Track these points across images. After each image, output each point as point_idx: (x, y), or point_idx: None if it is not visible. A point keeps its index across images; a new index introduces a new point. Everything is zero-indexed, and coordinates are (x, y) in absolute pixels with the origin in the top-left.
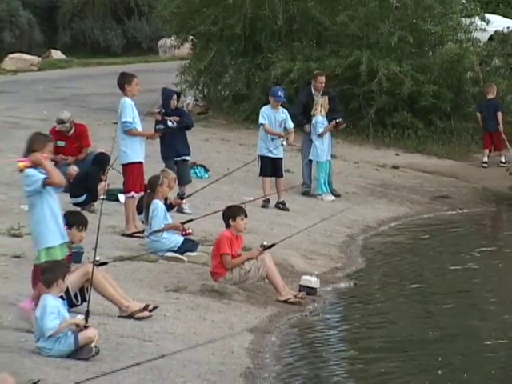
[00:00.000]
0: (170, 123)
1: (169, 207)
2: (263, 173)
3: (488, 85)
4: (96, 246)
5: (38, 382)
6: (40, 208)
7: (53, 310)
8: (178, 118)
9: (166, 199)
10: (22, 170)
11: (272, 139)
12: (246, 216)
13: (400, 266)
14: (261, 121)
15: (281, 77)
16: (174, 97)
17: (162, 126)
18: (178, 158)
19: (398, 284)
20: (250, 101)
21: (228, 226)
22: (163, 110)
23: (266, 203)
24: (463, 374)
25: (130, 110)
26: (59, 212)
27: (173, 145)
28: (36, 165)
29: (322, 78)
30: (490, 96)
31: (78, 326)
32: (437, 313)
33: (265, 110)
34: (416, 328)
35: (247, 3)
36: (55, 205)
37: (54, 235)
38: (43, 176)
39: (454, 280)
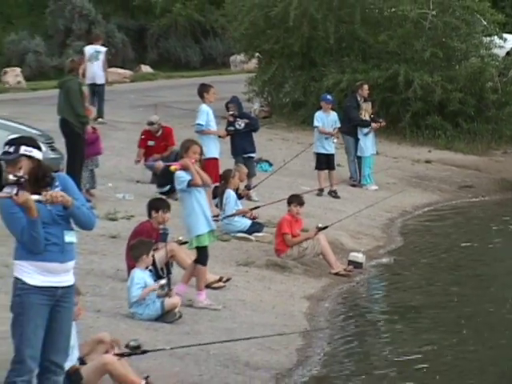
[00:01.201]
0: (237, 126)
1: (239, 196)
2: (318, 167)
3: None
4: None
5: (138, 346)
6: (189, 202)
7: (139, 280)
8: (247, 121)
9: (237, 189)
10: (173, 172)
11: (326, 138)
12: (300, 204)
13: (432, 244)
14: (315, 124)
15: (332, 87)
16: (230, 105)
17: (232, 128)
18: (245, 155)
19: (430, 259)
20: (306, 107)
21: (288, 210)
22: (236, 113)
23: (320, 192)
24: (484, 333)
25: (204, 115)
26: (206, 204)
27: (241, 144)
28: (185, 168)
29: (366, 87)
30: None
31: (162, 286)
32: (462, 282)
33: (318, 115)
34: (444, 294)
35: (304, 26)
36: (202, 198)
37: (202, 225)
38: (189, 178)
39: (478, 253)
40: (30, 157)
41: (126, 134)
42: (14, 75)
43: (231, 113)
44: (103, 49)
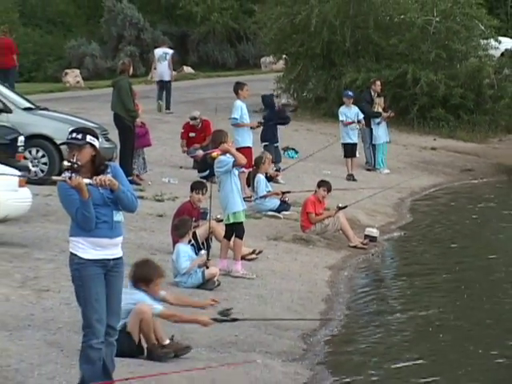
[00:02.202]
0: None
1: (269, 179)
2: (346, 155)
3: None
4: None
5: (230, 309)
6: (228, 183)
7: (184, 254)
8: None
9: (266, 173)
10: (214, 158)
11: (351, 129)
12: (328, 190)
13: (438, 219)
14: (340, 118)
15: (349, 84)
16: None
17: (262, 121)
18: (273, 144)
19: (436, 232)
20: (327, 102)
21: (315, 192)
22: (262, 121)
23: (350, 177)
24: (482, 299)
25: (239, 110)
26: (240, 186)
27: (268, 134)
28: (225, 152)
29: (379, 83)
30: None
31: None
32: (463, 252)
33: (341, 110)
34: (447, 263)
35: (324, 31)
36: (237, 181)
37: (238, 203)
38: (232, 159)
39: (477, 225)
40: (92, 145)
41: (171, 126)
42: (73, 76)
43: (258, 122)
44: (170, 51)
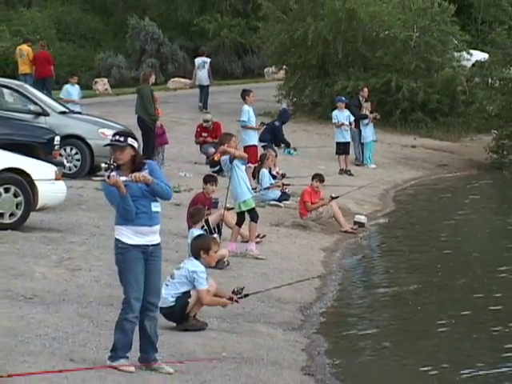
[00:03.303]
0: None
1: (273, 176)
2: (338, 152)
3: None
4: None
5: (243, 288)
6: (235, 177)
7: None
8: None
9: (270, 169)
10: (218, 159)
11: (345, 130)
12: (321, 180)
13: (418, 207)
14: (333, 121)
15: (341, 90)
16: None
17: (265, 122)
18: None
19: (415, 219)
20: (321, 106)
21: (311, 184)
22: (265, 122)
23: (342, 171)
24: (459, 276)
25: (246, 113)
26: (246, 178)
27: (266, 136)
28: (224, 153)
29: (366, 90)
30: None
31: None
32: (440, 234)
33: (334, 113)
34: (425, 244)
35: (319, 45)
36: (243, 174)
37: (245, 192)
38: (228, 156)
39: (450, 209)
40: (132, 146)
41: (187, 127)
42: (102, 84)
43: (261, 124)
44: (208, 60)
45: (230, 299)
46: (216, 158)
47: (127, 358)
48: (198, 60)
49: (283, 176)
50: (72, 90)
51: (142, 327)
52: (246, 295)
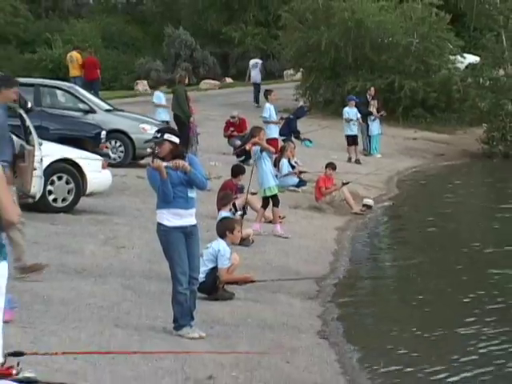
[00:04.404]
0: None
1: (292, 166)
2: (349, 143)
3: None
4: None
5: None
6: (262, 166)
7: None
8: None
9: (289, 158)
10: (249, 149)
11: (353, 124)
12: (333, 169)
13: (419, 192)
14: (344, 116)
15: (350, 90)
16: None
17: (283, 116)
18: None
19: (417, 201)
20: (334, 103)
21: (325, 171)
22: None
23: (349, 160)
24: (455, 262)
25: (268, 111)
26: (272, 168)
27: (285, 130)
28: (255, 144)
29: (373, 89)
30: None
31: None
32: (439, 215)
33: (345, 109)
34: (426, 225)
35: (332, 50)
36: (269, 163)
37: (270, 180)
38: (259, 147)
39: (447, 193)
40: (170, 141)
41: (216, 123)
42: (142, 85)
43: (280, 118)
44: (260, 61)
45: (245, 280)
46: (248, 148)
47: (191, 326)
48: (252, 61)
49: (300, 173)
50: (162, 96)
51: None
52: (253, 281)
